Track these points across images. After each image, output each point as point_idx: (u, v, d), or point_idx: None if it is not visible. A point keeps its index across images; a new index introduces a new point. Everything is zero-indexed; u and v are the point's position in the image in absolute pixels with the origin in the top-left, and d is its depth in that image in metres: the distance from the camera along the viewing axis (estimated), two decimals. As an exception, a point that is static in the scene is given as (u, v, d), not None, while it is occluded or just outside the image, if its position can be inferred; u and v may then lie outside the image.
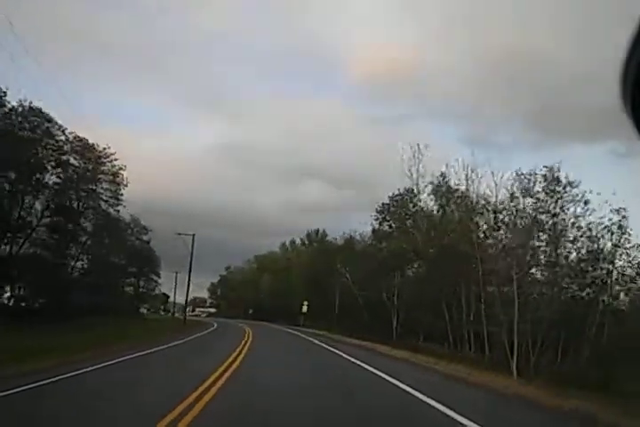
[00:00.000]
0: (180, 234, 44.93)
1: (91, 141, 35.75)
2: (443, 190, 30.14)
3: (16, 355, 12.24)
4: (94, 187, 38.08)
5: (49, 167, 34.41)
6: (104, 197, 39.65)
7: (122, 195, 39.66)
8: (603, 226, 21.37)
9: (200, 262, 76.70)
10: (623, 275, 22.12)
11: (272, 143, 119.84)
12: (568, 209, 22.07)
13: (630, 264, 21.84)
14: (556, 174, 21.71)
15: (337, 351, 21.52)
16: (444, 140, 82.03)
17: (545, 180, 21.78)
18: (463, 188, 28.27)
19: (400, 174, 31.48)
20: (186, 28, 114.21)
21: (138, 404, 7.75)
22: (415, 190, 32.30)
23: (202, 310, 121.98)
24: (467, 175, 27.53)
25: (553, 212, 21.88)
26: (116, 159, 37.89)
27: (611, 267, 22.17)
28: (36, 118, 31.20)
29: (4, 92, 28.52)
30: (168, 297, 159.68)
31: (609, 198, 20.62)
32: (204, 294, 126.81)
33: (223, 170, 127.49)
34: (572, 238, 22.17)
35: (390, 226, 33.40)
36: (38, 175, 33.71)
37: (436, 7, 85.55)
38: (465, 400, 10.01)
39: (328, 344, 26.34)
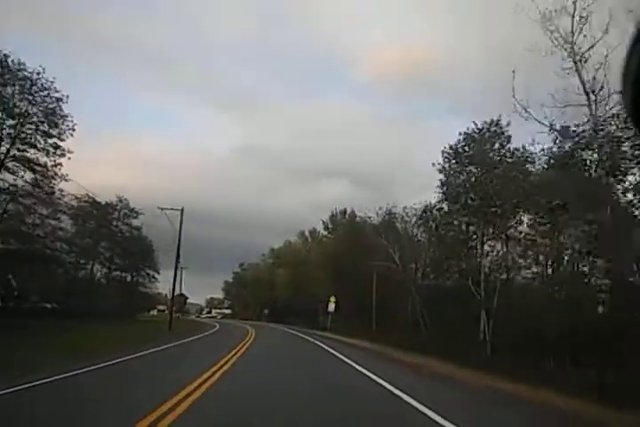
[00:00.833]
0: (162, 209, 34.74)
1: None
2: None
3: None
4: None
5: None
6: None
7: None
8: None
9: (218, 262, 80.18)
10: None
11: (288, 143, 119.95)
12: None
13: None
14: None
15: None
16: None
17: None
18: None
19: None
20: (198, 29, 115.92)
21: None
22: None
23: (217, 311, 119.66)
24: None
25: None
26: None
27: None
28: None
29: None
30: (186, 298, 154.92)
31: None
32: (221, 295, 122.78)
33: (240, 171, 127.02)
34: None
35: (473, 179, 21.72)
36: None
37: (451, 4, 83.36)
38: None
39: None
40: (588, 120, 15.08)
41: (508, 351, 17.73)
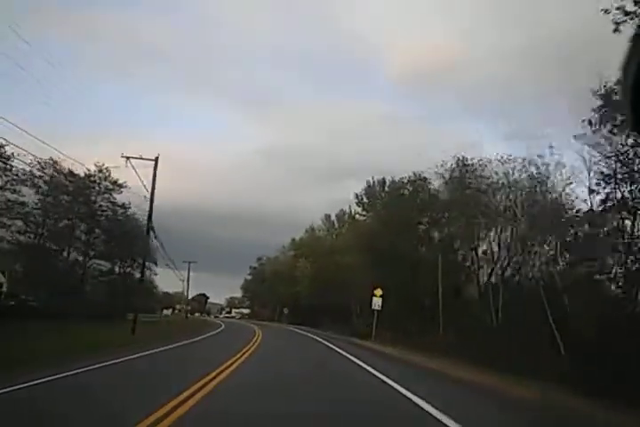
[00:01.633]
0: (129, 158, 24.55)
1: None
2: None
3: None
4: None
5: None
6: None
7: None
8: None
9: (241, 263, 77.30)
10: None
11: (313, 144, 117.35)
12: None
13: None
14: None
15: None
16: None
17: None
18: None
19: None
20: (223, 30, 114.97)
21: None
22: None
23: (236, 311, 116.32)
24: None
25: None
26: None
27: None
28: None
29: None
30: (207, 298, 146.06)
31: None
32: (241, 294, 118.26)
33: (264, 171, 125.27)
34: None
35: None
36: None
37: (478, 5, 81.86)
38: None
39: None
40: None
41: None
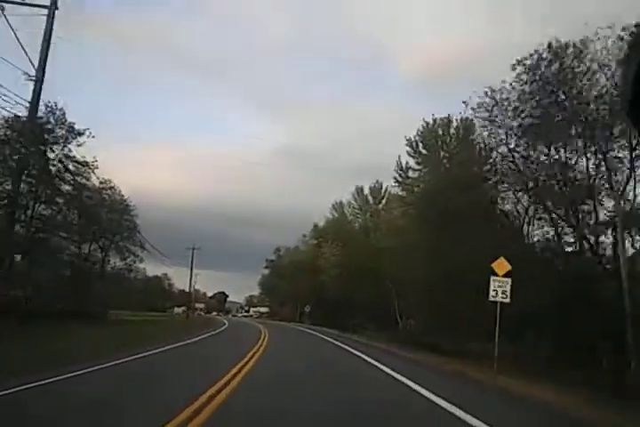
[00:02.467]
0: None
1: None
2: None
3: None
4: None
5: None
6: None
7: None
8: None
9: (262, 262, 71.18)
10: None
11: (329, 143, 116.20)
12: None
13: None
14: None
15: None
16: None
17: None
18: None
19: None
20: (240, 30, 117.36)
21: None
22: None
23: (254, 310, 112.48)
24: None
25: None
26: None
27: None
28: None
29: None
30: (226, 296, 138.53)
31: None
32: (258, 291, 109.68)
33: (282, 171, 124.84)
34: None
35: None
36: None
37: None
38: None
39: None
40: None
41: None
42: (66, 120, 24.71)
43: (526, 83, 15.21)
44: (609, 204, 14.96)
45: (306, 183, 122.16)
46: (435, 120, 26.09)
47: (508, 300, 11.78)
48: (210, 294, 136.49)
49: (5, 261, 21.15)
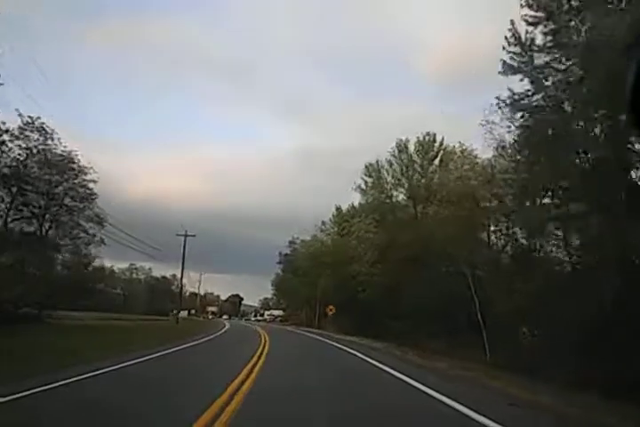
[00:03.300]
0: None
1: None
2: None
3: None
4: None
5: None
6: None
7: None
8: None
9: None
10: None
11: (349, 145, 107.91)
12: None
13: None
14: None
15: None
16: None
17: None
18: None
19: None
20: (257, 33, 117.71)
21: None
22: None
23: (268, 313, 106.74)
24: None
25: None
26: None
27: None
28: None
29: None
30: (241, 299, 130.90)
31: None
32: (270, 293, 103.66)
33: (300, 173, 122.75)
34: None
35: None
36: None
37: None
38: None
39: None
40: None
41: None
42: None
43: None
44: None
45: (323, 185, 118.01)
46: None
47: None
48: (224, 297, 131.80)
49: None
